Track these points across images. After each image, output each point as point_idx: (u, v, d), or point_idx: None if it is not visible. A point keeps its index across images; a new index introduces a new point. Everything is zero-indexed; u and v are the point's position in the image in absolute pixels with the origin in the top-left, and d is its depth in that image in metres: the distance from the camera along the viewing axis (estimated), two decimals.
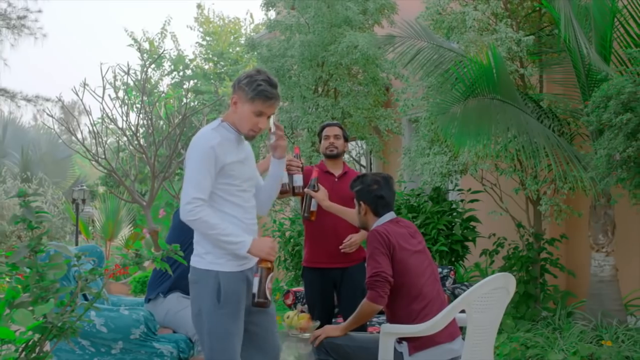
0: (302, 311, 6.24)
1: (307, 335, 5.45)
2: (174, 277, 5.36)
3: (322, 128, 6.02)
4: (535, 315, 8.36)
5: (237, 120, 3.94)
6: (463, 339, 4.26)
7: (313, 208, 5.33)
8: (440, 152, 8.96)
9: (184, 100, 15.98)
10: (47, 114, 15.78)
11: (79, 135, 14.91)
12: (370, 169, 13.34)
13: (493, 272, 9.11)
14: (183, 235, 5.30)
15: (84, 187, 19.02)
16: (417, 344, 4.22)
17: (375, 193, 4.63)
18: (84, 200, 18.24)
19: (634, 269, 8.77)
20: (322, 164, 6.03)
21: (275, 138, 4.09)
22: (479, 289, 4.01)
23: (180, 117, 15.03)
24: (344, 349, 4.44)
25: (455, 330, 4.32)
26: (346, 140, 6.02)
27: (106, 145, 14.85)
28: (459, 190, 9.44)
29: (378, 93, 11.62)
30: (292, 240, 10.60)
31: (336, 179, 5.88)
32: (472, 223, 9.02)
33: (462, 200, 9.28)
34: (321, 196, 5.27)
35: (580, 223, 9.06)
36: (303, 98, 11.47)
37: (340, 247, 5.71)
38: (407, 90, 9.84)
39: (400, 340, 4.29)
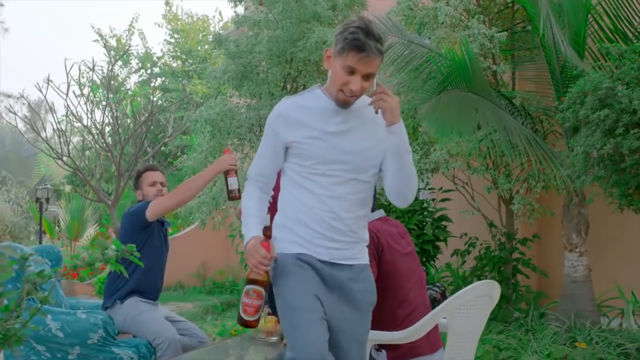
0: (269, 313, 6.02)
1: (274, 338, 5.24)
2: (130, 282, 5.15)
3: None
4: (508, 317, 8.22)
5: (329, 82, 3.20)
6: None
7: None
8: (412, 150, 8.75)
9: (151, 97, 15.66)
10: (10, 111, 15.37)
11: (44, 134, 14.58)
12: None
13: (464, 273, 9.01)
14: (135, 237, 5.10)
15: (48, 186, 18.61)
16: (397, 353, 3.94)
17: None
18: (47, 199, 17.84)
19: (607, 269, 8.65)
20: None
21: (375, 99, 3.11)
22: (462, 296, 3.79)
23: (147, 114, 14.80)
24: None
25: (437, 342, 4.06)
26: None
27: (72, 144, 14.56)
28: (430, 189, 9.28)
29: None
30: None
31: None
32: (444, 222, 8.85)
33: (433, 200, 9.12)
34: None
35: (553, 222, 8.95)
36: (271, 95, 11.25)
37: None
38: None
39: (379, 348, 4.05)
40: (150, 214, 5.08)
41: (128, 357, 4.86)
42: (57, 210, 21.39)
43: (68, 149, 14.39)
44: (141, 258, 4.27)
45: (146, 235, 5.15)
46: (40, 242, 18.01)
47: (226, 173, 4.93)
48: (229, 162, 4.96)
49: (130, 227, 5.18)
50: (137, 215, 5.13)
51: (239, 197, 4.88)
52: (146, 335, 5.02)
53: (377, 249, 3.98)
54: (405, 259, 4.09)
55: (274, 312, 5.45)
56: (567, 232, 7.93)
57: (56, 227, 20.93)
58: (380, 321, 3.99)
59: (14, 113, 15.28)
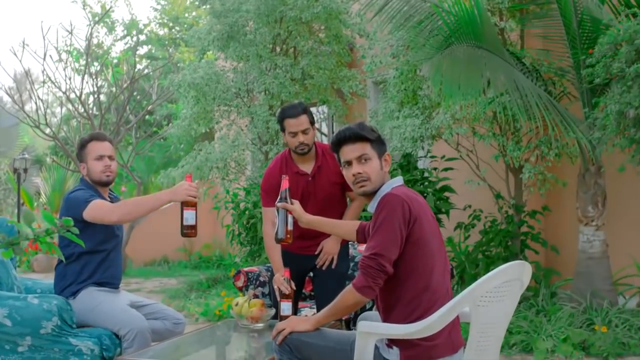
0: (254, 296, 5.33)
1: (260, 325, 4.56)
2: (82, 276, 4.47)
3: (283, 118, 4.83)
4: None
5: None
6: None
7: (290, 227, 3.95)
8: (411, 115, 8.07)
9: (134, 63, 14.90)
10: None
11: (30, 104, 13.92)
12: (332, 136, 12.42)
13: (466, 249, 8.31)
14: (77, 224, 4.38)
15: (26, 156, 17.80)
16: (412, 353, 3.21)
17: (386, 144, 3.62)
18: (25, 170, 17.03)
19: (626, 244, 7.95)
20: (288, 160, 4.92)
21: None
22: (487, 282, 3.05)
23: (129, 81, 14.10)
24: (313, 349, 3.38)
25: (458, 339, 3.32)
26: (313, 124, 4.88)
27: (50, 112, 13.91)
28: (431, 157, 8.55)
29: (341, 52, 10.82)
30: (247, 212, 9.69)
31: (310, 178, 4.85)
32: (446, 194, 8.16)
33: (435, 169, 8.39)
34: (299, 211, 3.97)
35: (564, 194, 8.31)
36: (259, 57, 10.58)
37: (317, 263, 4.86)
38: (375, 45, 8.95)
39: (390, 344, 3.35)
40: (87, 217, 4.33)
41: (88, 349, 4.15)
42: (39, 182, 20.66)
43: (45, 117, 13.72)
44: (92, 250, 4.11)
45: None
46: (19, 214, 17.26)
47: (183, 204, 4.15)
48: (188, 192, 4.15)
49: (67, 214, 4.45)
50: (74, 209, 4.35)
51: (195, 235, 4.17)
52: (108, 327, 4.31)
53: (407, 223, 3.24)
54: (434, 235, 3.36)
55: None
56: (583, 204, 7.27)
57: (38, 199, 20.22)
58: (394, 313, 3.29)
59: None
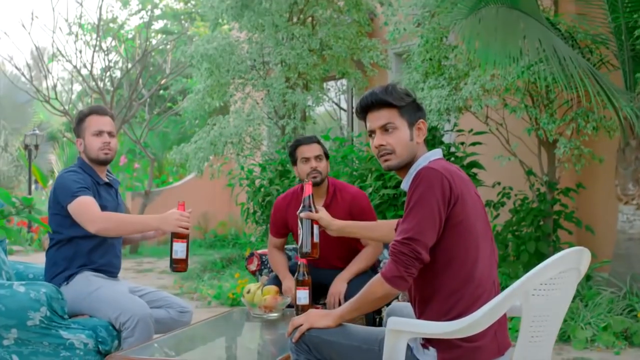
0: (268, 281, 4.88)
1: (274, 315, 4.12)
2: (74, 265, 4.06)
3: (296, 146, 4.71)
4: None
5: None
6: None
7: (316, 239, 3.48)
8: (437, 86, 7.57)
9: (146, 35, 14.50)
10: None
11: (46, 83, 13.56)
12: (352, 111, 11.97)
13: (495, 228, 7.82)
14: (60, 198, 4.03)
15: (36, 132, 17.43)
16: (451, 356, 2.71)
17: (424, 110, 3.14)
18: (36, 146, 16.69)
19: None
20: (298, 194, 4.68)
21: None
22: (541, 272, 2.55)
23: (142, 54, 13.70)
24: (335, 349, 2.88)
25: (505, 340, 2.82)
26: (327, 157, 4.73)
27: (62, 86, 13.56)
28: (458, 131, 8.04)
29: (362, 21, 10.40)
30: (262, 189, 9.27)
31: None
32: (474, 170, 7.65)
33: (462, 143, 7.87)
34: (326, 218, 3.52)
35: (598, 170, 7.83)
36: (275, 27, 10.16)
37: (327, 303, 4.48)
38: (398, 11, 8.44)
39: (426, 344, 2.86)
40: (70, 212, 3.93)
41: (81, 342, 3.71)
42: (53, 159, 20.36)
43: (55, 91, 13.41)
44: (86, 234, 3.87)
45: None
46: (29, 191, 16.92)
47: (173, 234, 3.76)
48: (178, 222, 3.77)
49: (55, 198, 4.05)
50: (62, 196, 3.97)
51: (185, 269, 3.78)
52: (107, 314, 3.86)
53: (447, 202, 2.74)
54: (479, 216, 2.86)
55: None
56: (622, 181, 6.78)
57: (51, 176, 19.93)
58: (431, 308, 2.80)
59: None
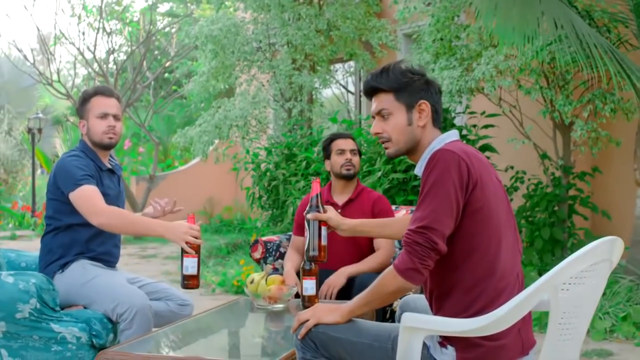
0: (274, 269, 4.66)
1: (279, 306, 3.89)
2: (71, 253, 3.85)
3: (331, 140, 4.78)
4: None
5: None
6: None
7: (324, 241, 3.24)
8: (448, 67, 7.36)
9: (150, 16, 14.31)
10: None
11: (53, 65, 13.41)
12: (359, 94, 11.76)
13: None
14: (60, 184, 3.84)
15: (40, 115, 17.23)
16: (472, 355, 2.47)
17: (434, 88, 2.82)
18: (40, 130, 16.51)
19: None
20: (326, 189, 4.74)
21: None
22: (572, 265, 2.32)
23: (146, 35, 13.53)
24: (344, 346, 2.66)
25: (529, 338, 2.59)
26: (360, 154, 4.84)
27: (66, 71, 13.47)
28: (470, 113, 7.84)
29: (370, 0, 10.19)
30: (268, 173, 9.08)
31: (339, 209, 4.14)
32: (487, 153, 7.47)
33: (474, 126, 7.69)
34: (335, 218, 3.26)
35: (615, 154, 7.64)
36: (281, 7, 9.99)
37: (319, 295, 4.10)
38: None
39: (444, 342, 2.61)
40: (72, 201, 3.73)
41: (73, 336, 3.50)
42: (57, 143, 20.21)
43: (58, 74, 13.24)
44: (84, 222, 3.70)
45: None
46: (33, 175, 16.77)
47: (183, 251, 3.52)
48: (186, 235, 3.53)
49: (55, 183, 3.84)
50: (63, 183, 3.78)
51: (197, 286, 3.54)
52: (103, 304, 3.65)
53: (465, 186, 2.49)
54: (501, 203, 2.62)
55: None
56: None
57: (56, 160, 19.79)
58: (449, 303, 2.56)
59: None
